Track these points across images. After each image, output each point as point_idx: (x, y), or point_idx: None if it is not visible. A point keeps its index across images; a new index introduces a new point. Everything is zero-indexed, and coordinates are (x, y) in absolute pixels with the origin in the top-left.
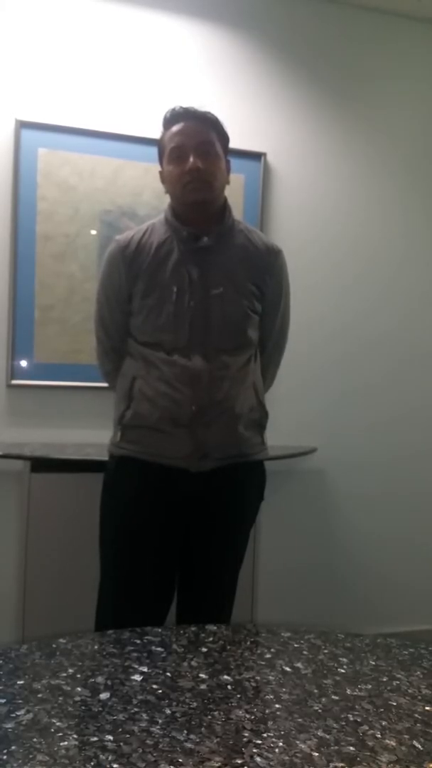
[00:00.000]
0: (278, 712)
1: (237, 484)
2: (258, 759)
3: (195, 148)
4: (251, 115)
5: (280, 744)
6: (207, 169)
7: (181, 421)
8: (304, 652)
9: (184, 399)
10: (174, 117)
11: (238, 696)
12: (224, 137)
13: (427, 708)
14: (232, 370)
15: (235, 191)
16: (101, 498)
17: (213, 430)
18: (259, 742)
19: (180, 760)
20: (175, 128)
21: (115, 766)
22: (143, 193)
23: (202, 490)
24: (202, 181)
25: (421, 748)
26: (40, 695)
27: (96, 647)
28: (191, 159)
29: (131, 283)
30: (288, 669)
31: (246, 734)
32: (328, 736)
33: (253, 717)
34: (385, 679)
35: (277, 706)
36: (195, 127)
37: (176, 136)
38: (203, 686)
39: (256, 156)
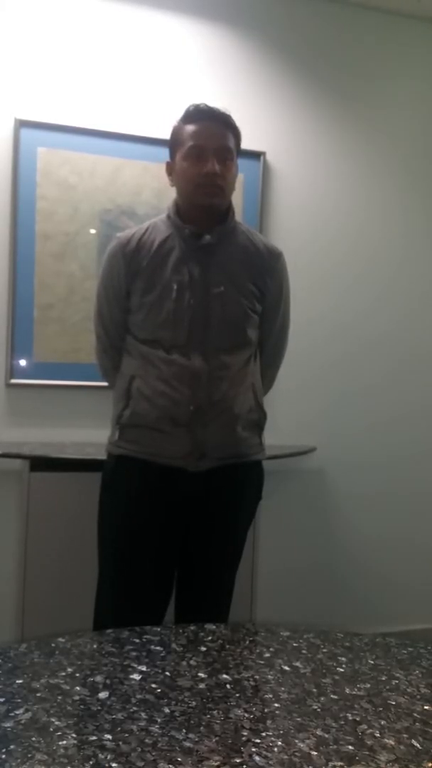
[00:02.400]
0: (277, 711)
1: (236, 484)
2: (257, 758)
3: (215, 151)
4: (251, 114)
5: (279, 743)
6: (223, 175)
7: (179, 420)
8: (303, 651)
9: (183, 398)
10: (197, 113)
11: (237, 695)
12: (239, 143)
13: (425, 707)
14: (232, 371)
15: (235, 190)
16: (100, 497)
17: (211, 430)
18: (258, 741)
19: (179, 759)
20: (197, 126)
21: (114, 765)
22: (143, 192)
23: (202, 489)
24: (216, 186)
25: (420, 747)
26: (39, 694)
27: (95, 646)
28: (210, 162)
29: (130, 280)
30: (287, 668)
31: (245, 733)
32: (326, 735)
33: (252, 716)
34: (384, 678)
35: (276, 705)
36: (217, 129)
37: (198, 135)
38: (202, 685)
39: (256, 155)
